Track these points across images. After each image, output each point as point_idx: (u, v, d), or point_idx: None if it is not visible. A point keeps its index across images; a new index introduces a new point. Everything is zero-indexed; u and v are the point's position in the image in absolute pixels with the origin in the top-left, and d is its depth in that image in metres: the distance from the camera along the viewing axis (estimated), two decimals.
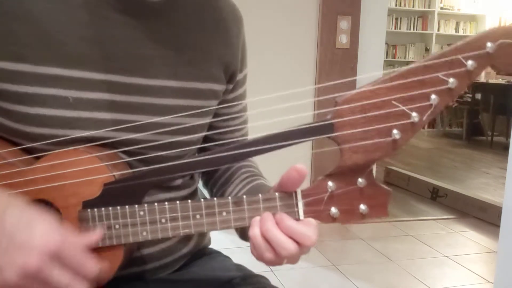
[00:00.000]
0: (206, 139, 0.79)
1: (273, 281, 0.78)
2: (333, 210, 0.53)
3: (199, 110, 0.71)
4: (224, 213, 0.54)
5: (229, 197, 0.55)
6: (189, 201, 0.55)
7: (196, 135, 0.70)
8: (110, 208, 0.56)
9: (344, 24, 2.72)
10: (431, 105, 0.49)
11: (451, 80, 0.48)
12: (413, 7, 6.63)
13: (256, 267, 0.75)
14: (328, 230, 2.81)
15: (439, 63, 0.48)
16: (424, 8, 6.66)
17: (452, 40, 6.91)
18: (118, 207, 0.56)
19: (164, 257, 0.74)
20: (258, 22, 2.53)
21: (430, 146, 5.97)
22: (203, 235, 0.84)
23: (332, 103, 0.51)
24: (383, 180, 3.95)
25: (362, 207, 0.53)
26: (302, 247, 0.54)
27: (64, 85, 0.60)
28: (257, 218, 0.54)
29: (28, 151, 0.62)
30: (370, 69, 2.90)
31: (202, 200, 0.55)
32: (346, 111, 0.50)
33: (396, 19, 6.59)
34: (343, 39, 2.70)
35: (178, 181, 0.73)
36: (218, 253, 0.85)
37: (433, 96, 0.49)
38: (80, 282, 0.52)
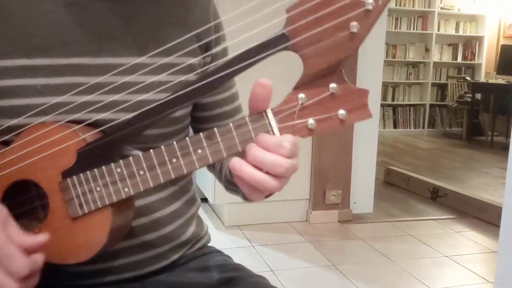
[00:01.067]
0: (200, 127, 0.79)
1: (272, 281, 0.78)
2: (310, 121, 0.50)
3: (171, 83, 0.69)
4: (199, 151, 0.53)
5: (200, 133, 0.53)
6: (162, 146, 0.54)
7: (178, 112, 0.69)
8: (88, 171, 0.56)
9: None
10: None
11: None
12: (413, 7, 6.63)
13: (256, 267, 0.75)
14: (328, 230, 2.82)
15: None
16: (424, 8, 6.65)
17: (452, 40, 6.91)
18: (95, 169, 0.56)
19: (162, 245, 0.74)
20: (258, 22, 2.53)
21: (430, 146, 5.97)
22: (200, 225, 0.84)
23: None
24: (383, 180, 3.96)
25: (341, 111, 0.50)
26: (291, 159, 0.52)
27: (30, 74, 0.62)
28: (235, 161, 0.52)
29: (5, 143, 0.63)
30: (370, 69, 2.90)
31: (174, 142, 0.53)
32: (297, 16, 0.47)
33: (396, 19, 6.59)
34: None
35: (167, 143, 0.73)
36: (218, 252, 0.85)
37: None
38: (7, 282, 0.52)
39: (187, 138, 0.53)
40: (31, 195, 0.66)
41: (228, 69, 0.50)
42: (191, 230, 0.80)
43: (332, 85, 0.49)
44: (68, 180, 0.58)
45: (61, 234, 0.59)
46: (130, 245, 0.71)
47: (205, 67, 0.76)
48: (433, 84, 6.89)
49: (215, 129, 0.52)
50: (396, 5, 6.49)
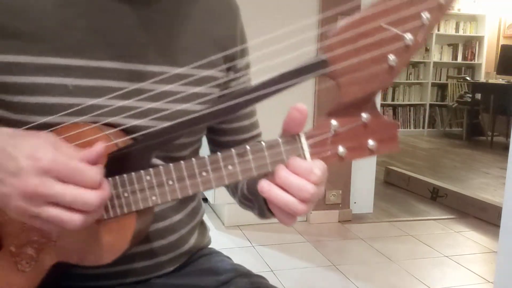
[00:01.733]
0: (215, 139, 0.81)
1: (273, 281, 0.78)
2: (340, 149, 0.51)
3: (208, 98, 0.71)
4: (230, 167, 0.53)
5: (232, 149, 0.53)
6: (193, 159, 0.54)
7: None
8: (117, 176, 0.56)
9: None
10: (423, 24, 0.47)
11: None
12: None
13: (256, 267, 0.76)
14: (328, 230, 2.82)
15: None
16: None
17: (452, 40, 6.91)
18: (125, 175, 0.56)
19: (165, 253, 0.74)
20: (258, 22, 2.53)
21: (430, 146, 5.97)
22: (203, 233, 0.84)
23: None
24: (383, 180, 3.96)
25: (371, 142, 0.51)
26: (319, 186, 0.52)
27: (62, 73, 0.62)
28: (263, 183, 0.52)
29: None
30: None
31: (206, 156, 0.54)
32: (337, 44, 0.48)
33: None
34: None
35: (185, 152, 0.74)
36: (217, 253, 0.85)
37: (424, 14, 0.47)
38: (87, 193, 0.51)
39: (218, 153, 0.53)
40: None
41: (265, 88, 0.50)
42: (193, 239, 0.80)
43: (364, 115, 0.50)
44: None
45: (83, 235, 0.59)
46: (136, 252, 0.71)
47: (227, 79, 0.76)
48: (433, 84, 6.89)
49: (247, 146, 0.53)
50: None
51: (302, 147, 0.52)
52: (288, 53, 0.61)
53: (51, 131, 0.61)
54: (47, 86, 0.62)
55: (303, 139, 0.52)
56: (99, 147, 0.53)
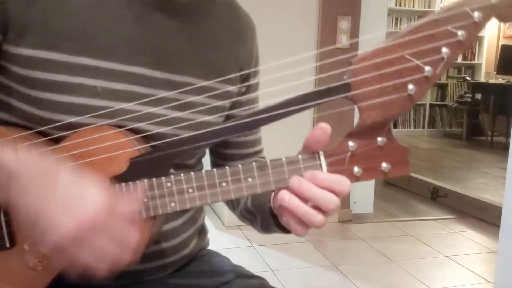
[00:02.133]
0: (219, 151, 0.82)
1: (273, 281, 0.78)
2: (356, 169, 0.54)
3: (222, 113, 0.73)
4: (249, 179, 0.55)
5: (253, 163, 0.55)
6: (215, 169, 0.55)
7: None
8: (138, 181, 0.57)
9: (344, 24, 2.72)
10: (443, 58, 0.50)
11: (460, 32, 0.50)
12: (413, 7, 6.63)
13: (256, 267, 0.76)
14: (328, 230, 2.82)
15: (447, 17, 0.50)
16: (424, 8, 6.65)
17: None
18: (145, 180, 0.56)
19: (165, 257, 0.74)
20: (258, 23, 2.53)
21: (430, 146, 5.97)
22: (203, 236, 0.84)
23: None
24: (383, 180, 3.96)
25: (384, 165, 0.54)
26: (339, 196, 0.55)
27: (93, 74, 0.63)
28: (284, 193, 0.54)
29: (54, 139, 0.63)
30: None
31: (227, 168, 0.55)
32: (361, 69, 0.51)
33: (396, 19, 6.59)
34: (343, 39, 2.70)
35: (192, 160, 0.75)
36: (216, 253, 0.85)
37: (444, 49, 0.50)
38: (125, 253, 0.52)
39: (239, 165, 0.55)
40: None
41: (287, 107, 0.53)
42: (194, 242, 0.80)
43: (380, 139, 0.54)
44: (116, 186, 0.57)
45: None
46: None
47: (239, 98, 0.79)
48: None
49: (268, 161, 0.55)
50: (396, 5, 6.49)
51: (321, 165, 0.55)
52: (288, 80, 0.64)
53: (75, 132, 0.61)
54: (77, 86, 0.62)
55: (322, 157, 0.55)
56: (142, 192, 0.56)
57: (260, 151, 0.86)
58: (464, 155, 5.41)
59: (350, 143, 0.54)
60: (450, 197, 3.40)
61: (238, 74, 0.76)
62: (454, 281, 2.26)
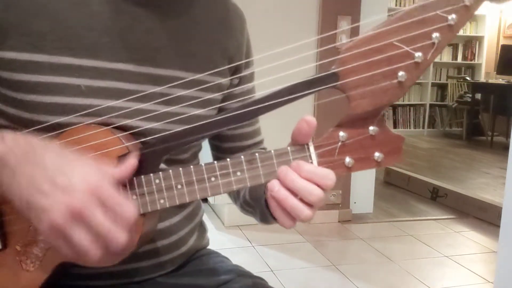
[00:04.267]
0: (218, 145, 0.82)
1: (273, 281, 0.78)
2: (347, 159, 0.53)
3: (214, 106, 0.72)
4: (238, 173, 0.54)
5: (242, 156, 0.54)
6: (203, 164, 0.55)
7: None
8: (126, 179, 0.56)
9: (344, 24, 2.72)
10: (433, 43, 0.49)
11: (450, 16, 0.48)
12: None
13: (256, 267, 0.75)
14: (328, 230, 2.82)
15: (437, 1, 0.49)
16: None
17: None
18: (134, 177, 0.56)
19: (162, 255, 0.74)
20: (258, 22, 2.53)
21: (430, 146, 5.97)
22: (202, 235, 0.84)
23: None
24: (383, 180, 3.96)
25: (377, 154, 0.53)
26: (325, 190, 0.54)
27: (76, 73, 0.62)
28: (274, 183, 0.54)
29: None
30: None
31: (215, 162, 0.55)
32: (349, 58, 0.50)
33: None
34: (343, 39, 2.70)
35: (186, 155, 0.74)
36: (216, 253, 0.85)
37: (434, 34, 0.49)
38: (119, 233, 0.50)
39: (228, 160, 0.54)
40: None
41: (276, 99, 0.52)
42: (192, 240, 0.80)
43: (372, 128, 0.53)
44: None
45: None
46: (136, 252, 0.70)
47: (232, 90, 0.78)
48: (433, 84, 6.89)
49: (257, 154, 0.54)
50: (396, 5, 6.48)
51: (310, 156, 0.54)
52: (289, 67, 0.63)
53: (62, 132, 0.61)
54: (60, 86, 0.62)
55: (311, 148, 0.54)
56: (133, 161, 0.55)
57: (260, 142, 0.85)
58: (464, 155, 5.41)
59: (341, 133, 0.53)
60: (450, 197, 3.40)
61: (227, 66, 0.75)
62: (454, 281, 2.26)
